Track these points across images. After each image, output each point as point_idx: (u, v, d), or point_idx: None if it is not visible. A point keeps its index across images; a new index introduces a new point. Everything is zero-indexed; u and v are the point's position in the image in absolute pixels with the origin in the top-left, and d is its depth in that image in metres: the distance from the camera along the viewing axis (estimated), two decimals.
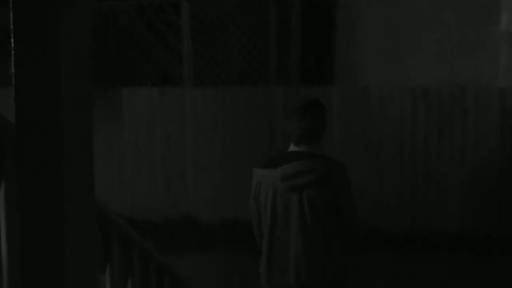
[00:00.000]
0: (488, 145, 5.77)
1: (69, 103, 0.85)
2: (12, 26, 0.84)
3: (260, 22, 7.02)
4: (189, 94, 6.35)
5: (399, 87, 5.92)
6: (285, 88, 6.27)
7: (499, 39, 6.18)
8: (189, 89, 6.47)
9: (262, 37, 7.03)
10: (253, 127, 6.18)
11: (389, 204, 5.94)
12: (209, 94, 6.30)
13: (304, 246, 2.63)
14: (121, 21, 7.17)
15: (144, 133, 6.43)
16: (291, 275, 2.66)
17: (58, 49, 0.83)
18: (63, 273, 0.86)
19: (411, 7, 6.44)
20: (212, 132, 6.29)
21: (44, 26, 0.83)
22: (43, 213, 0.86)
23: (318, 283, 2.66)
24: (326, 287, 2.67)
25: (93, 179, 0.92)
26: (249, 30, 7.03)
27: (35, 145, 0.85)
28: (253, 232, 2.87)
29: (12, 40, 0.85)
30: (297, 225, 2.62)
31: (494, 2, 6.20)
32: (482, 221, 5.78)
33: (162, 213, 6.36)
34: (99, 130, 6.19)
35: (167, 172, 6.39)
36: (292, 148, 2.71)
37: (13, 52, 0.85)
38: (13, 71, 0.85)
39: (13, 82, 0.85)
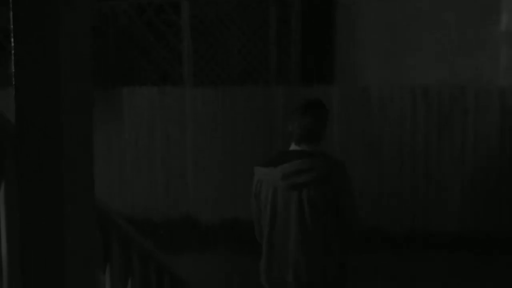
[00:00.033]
0: (488, 145, 5.77)
1: (69, 103, 0.85)
2: (12, 26, 0.84)
3: (260, 22, 7.02)
4: (189, 94, 6.35)
5: (399, 87, 5.92)
6: (285, 88, 6.27)
7: (499, 39, 6.18)
8: (189, 89, 6.47)
9: (262, 37, 7.03)
10: (253, 127, 6.18)
11: (389, 204, 5.94)
12: (209, 94, 6.30)
13: (303, 245, 2.63)
14: (121, 21, 7.17)
15: (144, 133, 6.43)
16: (290, 275, 2.66)
17: (58, 49, 0.83)
18: (63, 273, 0.86)
19: (411, 7, 6.44)
20: (212, 132, 6.29)
21: (44, 26, 0.83)
22: (43, 213, 0.86)
23: (317, 283, 2.66)
24: (326, 287, 2.67)
25: (93, 179, 0.92)
26: (249, 30, 7.03)
27: (35, 145, 0.85)
28: (254, 230, 2.87)
29: (12, 40, 0.85)
30: (296, 224, 2.62)
31: (494, 2, 6.20)
32: (482, 221, 5.78)
33: (162, 213, 6.36)
34: (99, 130, 6.19)
35: (167, 172, 6.39)
36: (293, 147, 2.72)
37: (13, 52, 0.85)
38: (13, 71, 0.85)
39: (13, 82, 0.85)
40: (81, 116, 0.89)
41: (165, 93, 6.39)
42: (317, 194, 2.59)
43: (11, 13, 0.84)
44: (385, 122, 5.92)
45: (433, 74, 6.29)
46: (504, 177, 5.73)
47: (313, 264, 2.64)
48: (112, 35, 7.16)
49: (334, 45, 7.03)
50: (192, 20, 7.01)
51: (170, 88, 6.49)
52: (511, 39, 6.13)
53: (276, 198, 2.67)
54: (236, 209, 6.13)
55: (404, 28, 6.43)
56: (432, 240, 5.71)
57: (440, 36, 6.35)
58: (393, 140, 5.93)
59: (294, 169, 2.60)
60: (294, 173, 2.60)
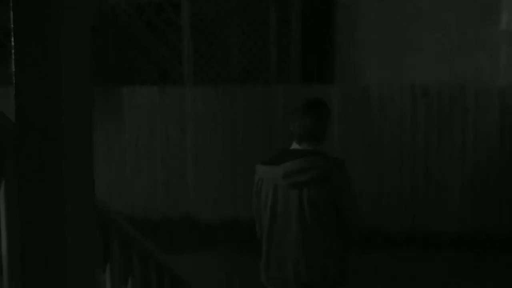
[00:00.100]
0: (488, 144, 5.77)
1: (69, 103, 0.85)
2: (12, 27, 0.84)
3: (260, 21, 7.02)
4: (189, 93, 6.35)
5: (399, 87, 5.92)
6: (285, 87, 6.27)
7: (499, 38, 6.18)
8: (189, 88, 6.47)
9: (262, 36, 7.03)
10: (253, 126, 6.18)
11: (389, 204, 5.94)
12: (209, 93, 6.30)
13: (303, 244, 2.63)
14: (121, 20, 7.17)
15: (144, 132, 6.43)
16: (290, 274, 2.66)
17: (58, 49, 0.83)
18: (63, 273, 0.86)
19: (411, 7, 6.44)
20: (212, 131, 6.29)
21: (44, 26, 0.83)
22: (43, 213, 0.86)
23: (318, 282, 2.66)
24: (326, 286, 2.67)
25: (93, 179, 0.92)
26: (249, 29, 7.03)
27: (35, 145, 0.85)
28: (256, 228, 2.88)
29: (13, 41, 0.85)
30: (297, 223, 2.62)
31: (494, 2, 6.20)
32: (482, 221, 5.78)
33: (162, 213, 6.36)
34: (99, 130, 6.19)
35: (167, 172, 6.39)
36: (294, 146, 2.72)
37: (13, 52, 0.85)
38: (14, 71, 0.85)
39: (14, 82, 0.85)
40: (81, 116, 0.89)
41: (165, 92, 6.39)
42: (317, 194, 2.59)
43: (11, 13, 0.84)
44: (385, 122, 5.92)
45: (433, 74, 6.29)
46: (504, 177, 5.73)
47: (313, 263, 2.64)
48: (112, 34, 7.16)
49: (334, 45, 7.02)
50: (192, 19, 7.01)
51: (170, 87, 6.49)
52: (511, 38, 6.13)
53: (277, 197, 2.67)
54: (236, 209, 6.13)
55: (404, 28, 6.43)
56: (432, 240, 5.71)
57: (440, 36, 6.35)
58: (393, 140, 5.93)
59: (295, 168, 2.60)
60: (295, 172, 2.60)
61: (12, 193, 1.12)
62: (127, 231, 1.81)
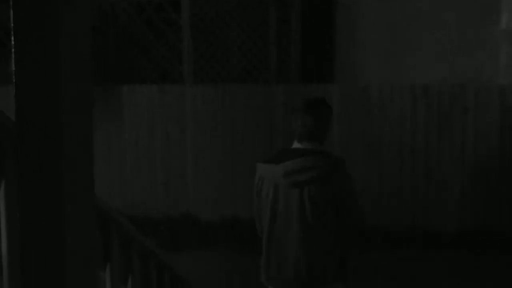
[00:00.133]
0: (488, 144, 5.77)
1: (69, 103, 0.85)
2: (12, 26, 0.84)
3: (260, 21, 7.02)
4: (189, 92, 6.35)
5: (399, 86, 5.92)
6: (285, 86, 6.27)
7: (499, 37, 6.18)
8: (189, 87, 6.47)
9: (262, 35, 7.03)
10: (253, 126, 6.18)
11: (389, 203, 5.94)
12: (209, 92, 6.29)
13: (304, 243, 2.63)
14: (120, 19, 7.17)
15: (144, 132, 6.43)
16: (291, 273, 2.66)
17: (58, 49, 0.83)
18: (63, 273, 0.86)
19: (411, 7, 6.44)
20: (212, 131, 6.29)
21: (44, 26, 0.83)
22: (43, 213, 0.86)
23: (318, 281, 2.67)
24: (326, 285, 2.68)
25: (93, 179, 0.92)
26: (249, 28, 7.03)
27: (35, 145, 0.85)
28: (256, 226, 2.88)
29: (13, 40, 0.85)
30: (297, 222, 2.63)
31: (494, 2, 6.20)
32: (482, 221, 5.78)
33: (162, 212, 6.36)
34: (99, 129, 6.19)
35: (167, 172, 6.39)
36: (295, 145, 2.72)
37: (13, 51, 0.84)
38: (14, 71, 0.85)
39: (14, 82, 0.85)
40: (81, 116, 0.89)
41: (165, 92, 6.39)
42: (318, 193, 2.59)
43: (11, 13, 0.84)
44: (385, 122, 5.92)
45: (433, 74, 6.29)
46: (504, 176, 5.73)
47: (314, 262, 2.64)
48: (112, 33, 7.16)
49: (334, 45, 7.02)
50: (192, 19, 7.01)
51: (170, 87, 6.48)
52: (511, 38, 6.13)
53: (278, 196, 2.67)
54: (236, 208, 6.13)
55: (404, 28, 6.42)
56: (432, 239, 5.71)
57: (440, 36, 6.34)
58: (393, 140, 5.93)
59: (295, 167, 2.61)
60: (295, 171, 2.60)
61: (12, 193, 1.12)
62: (127, 230, 1.81)
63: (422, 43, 6.39)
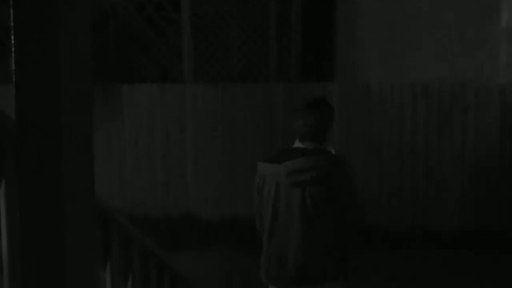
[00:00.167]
0: (488, 143, 5.77)
1: (69, 103, 0.85)
2: (12, 26, 0.84)
3: (260, 19, 7.02)
4: (189, 91, 6.34)
5: (399, 85, 5.92)
6: (285, 85, 6.26)
7: (499, 36, 6.17)
8: (189, 86, 6.46)
9: (262, 34, 7.03)
10: (253, 125, 6.18)
11: (389, 203, 5.94)
12: (209, 91, 6.29)
13: (305, 242, 2.64)
14: (120, 18, 7.17)
15: (144, 130, 6.43)
16: (291, 271, 2.67)
17: (58, 48, 0.83)
18: (63, 273, 0.86)
19: (411, 7, 6.43)
20: (212, 130, 6.29)
21: (44, 26, 0.83)
22: (43, 213, 0.86)
23: (318, 280, 2.67)
24: (326, 284, 2.68)
25: (93, 179, 0.92)
26: (249, 27, 7.03)
27: (35, 145, 0.85)
28: (256, 225, 2.88)
29: (13, 41, 0.85)
30: (298, 221, 2.63)
31: (494, 1, 6.19)
32: (482, 221, 5.78)
33: (162, 212, 6.36)
34: (99, 129, 6.18)
35: (167, 171, 6.39)
36: (297, 144, 2.73)
37: (13, 52, 0.84)
38: (14, 71, 0.85)
39: (14, 82, 0.85)
40: (81, 116, 0.89)
41: (165, 90, 6.39)
42: (319, 192, 2.60)
43: (11, 13, 0.84)
44: (385, 121, 5.92)
45: (433, 74, 6.29)
46: (504, 176, 5.73)
47: (314, 261, 2.65)
48: (112, 32, 7.15)
49: (334, 44, 7.02)
50: (192, 17, 7.01)
51: (170, 86, 6.48)
52: (511, 37, 6.13)
53: (279, 195, 2.68)
54: (236, 208, 6.13)
55: (404, 28, 6.42)
56: (432, 239, 5.71)
57: (440, 36, 6.34)
58: (393, 140, 5.93)
59: (297, 166, 2.61)
60: (297, 171, 2.61)
61: (12, 193, 1.12)
62: (127, 229, 1.81)
63: (422, 43, 6.39)
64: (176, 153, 6.36)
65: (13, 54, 0.85)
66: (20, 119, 0.85)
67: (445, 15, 6.30)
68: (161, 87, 6.44)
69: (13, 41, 0.85)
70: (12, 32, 0.84)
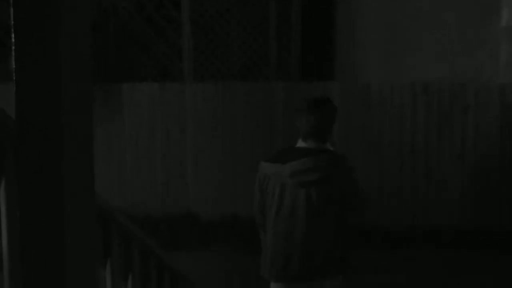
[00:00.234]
0: (488, 143, 5.77)
1: (69, 103, 0.85)
2: (12, 26, 0.84)
3: (260, 17, 7.02)
4: (189, 90, 6.34)
5: (400, 85, 5.92)
6: (285, 83, 6.26)
7: (499, 35, 6.17)
8: (189, 85, 6.46)
9: (262, 32, 7.03)
10: (253, 124, 6.18)
11: (389, 203, 5.94)
12: (209, 89, 6.29)
13: (307, 241, 2.65)
14: (121, 16, 7.16)
15: (144, 130, 6.43)
16: (294, 269, 2.68)
17: (58, 48, 0.83)
18: (63, 272, 0.86)
19: (411, 7, 6.43)
20: (212, 129, 6.28)
21: (44, 25, 0.83)
22: (43, 213, 0.86)
23: (318, 278, 2.68)
24: (327, 280, 2.70)
25: (93, 179, 0.92)
26: (249, 25, 7.03)
27: (35, 145, 0.85)
28: (255, 220, 2.88)
29: (13, 41, 0.85)
30: (303, 220, 2.64)
31: (494, 1, 6.19)
32: (482, 220, 5.78)
33: (162, 212, 6.36)
34: (99, 129, 6.18)
35: (167, 171, 6.39)
36: (300, 143, 2.73)
37: (13, 52, 0.84)
38: (14, 72, 0.85)
39: (14, 82, 0.85)
40: (81, 116, 0.89)
41: (165, 89, 6.39)
42: (324, 193, 2.61)
43: (11, 12, 0.84)
44: (385, 120, 5.92)
45: (433, 74, 6.29)
46: (504, 175, 5.73)
47: (315, 260, 2.66)
48: (112, 31, 7.15)
49: (334, 44, 7.02)
50: (192, 16, 7.01)
51: (170, 84, 6.48)
52: (511, 36, 6.12)
53: (284, 195, 2.68)
54: (236, 207, 6.13)
55: (404, 28, 6.42)
56: (432, 239, 5.71)
57: (440, 36, 6.34)
58: (393, 140, 5.93)
59: (301, 167, 2.62)
60: (301, 172, 2.61)
61: (12, 192, 1.12)
62: (127, 229, 1.81)
63: (422, 43, 6.39)
64: (176, 153, 6.36)
65: (13, 54, 0.85)
66: (20, 119, 0.85)
67: (445, 15, 6.30)
68: (161, 85, 6.43)
69: (13, 41, 0.85)
70: (12, 31, 0.84)
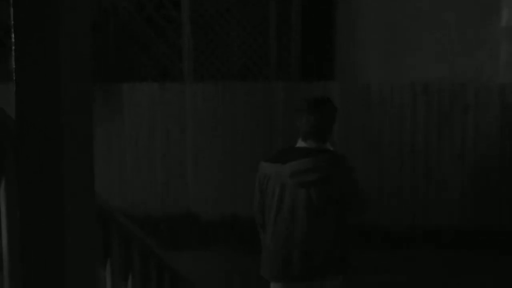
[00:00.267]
0: (488, 143, 5.77)
1: (69, 103, 0.85)
2: (12, 26, 0.84)
3: (260, 17, 7.02)
4: (189, 89, 6.34)
5: (400, 85, 5.92)
6: (285, 83, 6.26)
7: (499, 35, 6.17)
8: (189, 85, 6.46)
9: (262, 32, 7.03)
10: (253, 124, 6.18)
11: (389, 203, 5.94)
12: (209, 89, 6.29)
13: (307, 241, 2.65)
14: (121, 16, 7.17)
15: (144, 129, 6.43)
16: (295, 268, 2.68)
17: (58, 48, 0.83)
18: (63, 272, 0.86)
19: (411, 7, 6.43)
20: (212, 129, 6.29)
21: (44, 25, 0.83)
22: (43, 213, 0.86)
23: (318, 278, 2.69)
24: (327, 279, 2.70)
25: (93, 179, 0.92)
26: (249, 25, 7.03)
27: (35, 145, 0.85)
28: (255, 220, 2.89)
29: (13, 41, 0.85)
30: (303, 220, 2.64)
31: (494, 1, 6.19)
32: (482, 220, 5.78)
33: (162, 212, 6.36)
34: (99, 129, 6.18)
35: (167, 171, 6.39)
36: (300, 143, 2.73)
37: (13, 52, 0.84)
38: (14, 72, 0.85)
39: (14, 82, 0.85)
40: (81, 116, 0.89)
41: (165, 89, 6.39)
42: (324, 193, 2.61)
43: (11, 12, 0.84)
44: (385, 121, 5.92)
45: (433, 74, 6.29)
46: (504, 175, 5.73)
47: (315, 260, 2.66)
48: (112, 31, 7.15)
49: (334, 44, 7.02)
50: (192, 16, 7.01)
51: (170, 84, 6.48)
52: (511, 36, 6.12)
53: (284, 195, 2.68)
54: (236, 207, 6.13)
55: (404, 28, 6.42)
56: (432, 239, 5.71)
57: (440, 36, 6.34)
58: (393, 139, 5.93)
59: (301, 167, 2.62)
60: (302, 172, 2.62)
61: (12, 192, 1.12)
62: (127, 229, 1.81)
63: (422, 43, 6.39)
64: (176, 153, 6.36)
65: (13, 54, 0.85)
66: (20, 119, 0.85)
67: (445, 15, 6.30)
68: (161, 85, 6.44)
69: (13, 41, 0.85)
70: (13, 31, 0.84)
